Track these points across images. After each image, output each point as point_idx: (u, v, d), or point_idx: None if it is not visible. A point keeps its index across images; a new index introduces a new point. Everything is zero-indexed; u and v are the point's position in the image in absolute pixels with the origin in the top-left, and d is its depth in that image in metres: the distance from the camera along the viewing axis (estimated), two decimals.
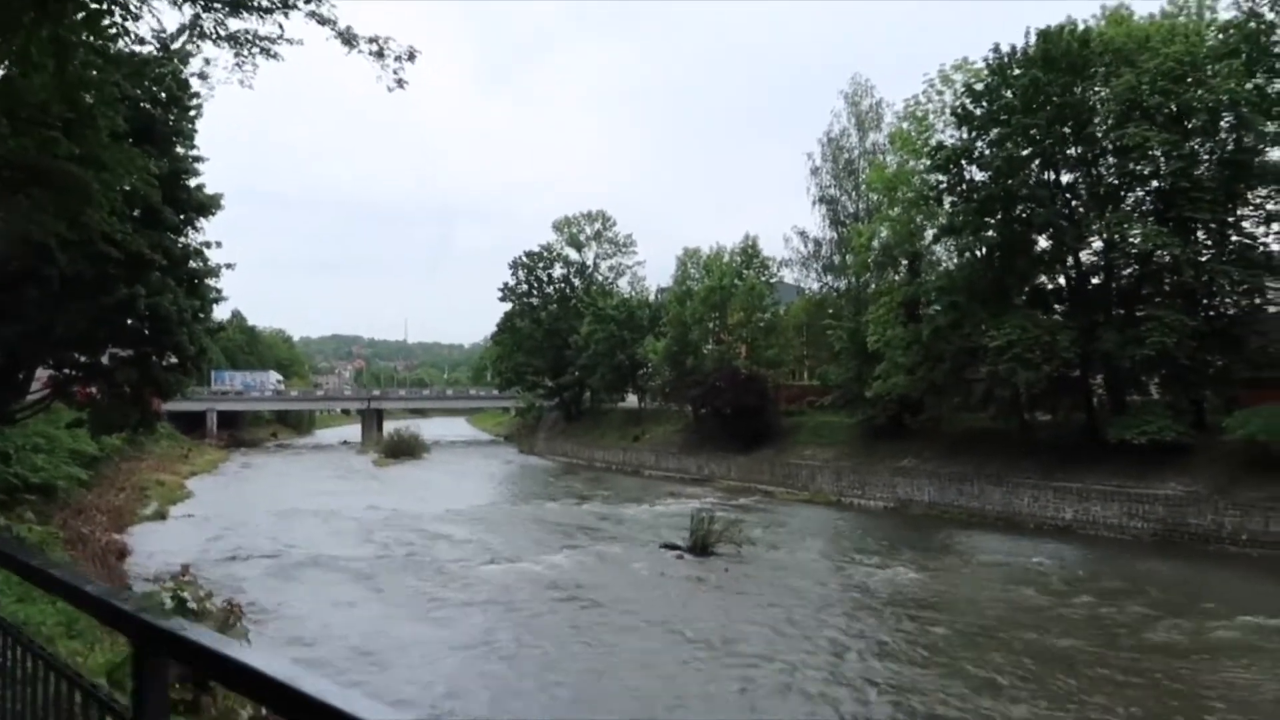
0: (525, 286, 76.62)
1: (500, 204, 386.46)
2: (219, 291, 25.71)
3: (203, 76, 25.27)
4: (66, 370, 24.53)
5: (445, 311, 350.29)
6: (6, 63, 14.53)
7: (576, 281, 75.59)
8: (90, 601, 2.13)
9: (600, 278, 74.91)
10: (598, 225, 74.79)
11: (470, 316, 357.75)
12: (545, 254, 76.16)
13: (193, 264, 24.39)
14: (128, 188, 15.38)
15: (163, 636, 1.74)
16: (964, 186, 35.46)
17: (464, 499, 42.24)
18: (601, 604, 20.28)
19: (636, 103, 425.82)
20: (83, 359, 25.03)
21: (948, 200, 36.38)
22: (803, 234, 50.50)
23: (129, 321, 24.26)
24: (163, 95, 23.62)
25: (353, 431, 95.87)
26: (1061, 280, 35.97)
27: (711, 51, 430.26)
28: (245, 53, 14.06)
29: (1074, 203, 34.36)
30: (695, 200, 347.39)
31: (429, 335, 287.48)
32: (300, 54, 14.15)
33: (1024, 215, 34.12)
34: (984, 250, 33.74)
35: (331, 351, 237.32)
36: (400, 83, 15.42)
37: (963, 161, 34.83)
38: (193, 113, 24.61)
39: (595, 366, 64.01)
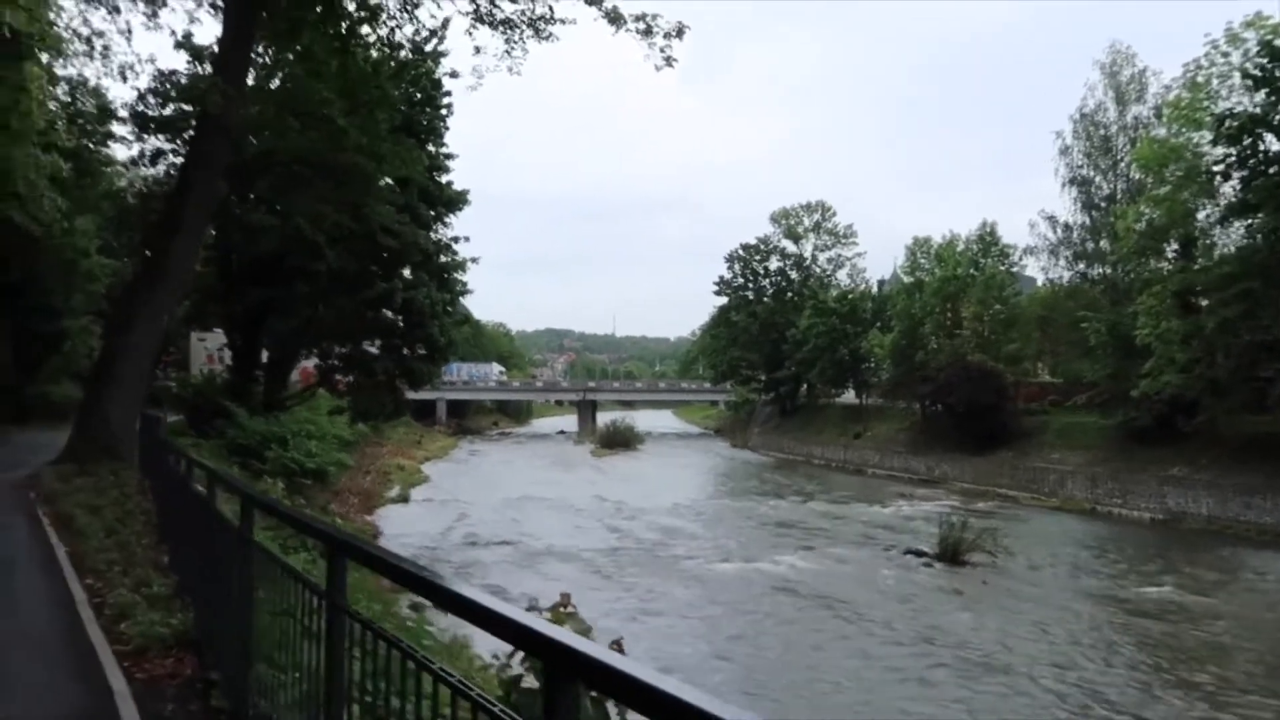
0: (741, 280, 75.72)
1: (697, 197, 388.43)
2: (465, 285, 26.55)
3: (454, 75, 25.89)
4: (329, 360, 26.10)
5: (650, 304, 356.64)
6: (291, 63, 15.12)
7: (794, 274, 73.87)
8: (497, 620, 2.03)
9: (818, 270, 72.86)
10: (816, 216, 72.86)
11: (675, 309, 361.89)
12: (762, 246, 74.93)
13: (443, 258, 25.24)
14: (403, 179, 15.69)
15: (577, 659, 1.69)
16: (1258, 158, 31.18)
17: (686, 492, 41.97)
18: (853, 614, 18.97)
19: (832, 90, 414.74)
20: (342, 350, 26.56)
21: (1236, 175, 32.09)
22: (1051, 219, 46.59)
23: (386, 313, 25.48)
24: (418, 95, 24.47)
25: (567, 422, 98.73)
26: None
27: (910, 36, 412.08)
28: (516, 37, 13.94)
29: None
30: (906, 190, 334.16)
31: (635, 329, 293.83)
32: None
33: None
34: None
35: (544, 345, 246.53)
36: (669, 60, 14.81)
37: (1259, 130, 30.56)
38: (444, 111, 25.42)
39: (814, 360, 62.14)
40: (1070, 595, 20.95)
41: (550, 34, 13.78)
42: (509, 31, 14.16)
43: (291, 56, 14.42)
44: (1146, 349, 35.02)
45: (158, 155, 25.90)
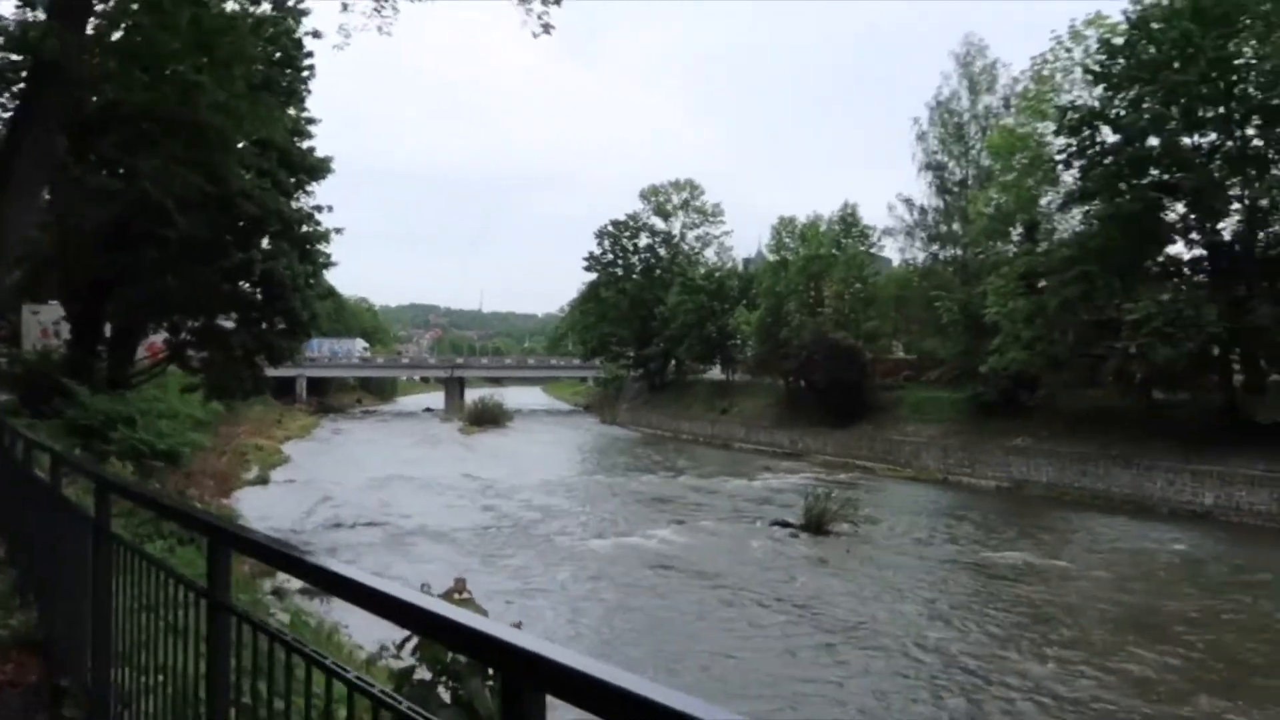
0: (610, 256, 75.74)
1: (569, 173, 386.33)
2: (328, 257, 25.43)
3: (316, 35, 24.64)
4: (181, 335, 24.55)
5: (518, 280, 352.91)
6: (136, 12, 13.96)
7: (663, 251, 74.42)
8: (442, 624, 1.77)
9: (687, 247, 73.66)
10: (685, 194, 73.48)
11: (543, 285, 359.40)
12: (631, 223, 75.12)
13: (305, 228, 24.06)
14: (261, 142, 14.75)
15: (542, 667, 1.51)
16: (1095, 149, 33.28)
17: (557, 469, 41.85)
18: (726, 584, 19.34)
19: (708, 71, 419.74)
20: (196, 323, 25.02)
21: (1076, 165, 34.17)
22: (908, 201, 48.56)
23: (243, 285, 24.13)
24: (277, 54, 23.14)
25: (433, 399, 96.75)
26: (1198, 251, 33.60)
27: (791, 19, 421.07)
28: None
29: (1212, 167, 31.90)
30: (768, 169, 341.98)
31: (503, 305, 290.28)
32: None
33: (1162, 180, 31.91)
34: (1118, 218, 31.49)
35: (409, 320, 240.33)
36: (547, 28, 14.44)
37: (1097, 123, 32.60)
38: (305, 74, 24.14)
39: (683, 337, 62.93)
40: (926, 560, 22.01)
41: None
42: None
43: (136, 6, 13.27)
44: (994, 327, 37.03)
45: None
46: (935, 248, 48.86)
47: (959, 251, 47.38)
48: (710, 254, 72.89)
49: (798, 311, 50.13)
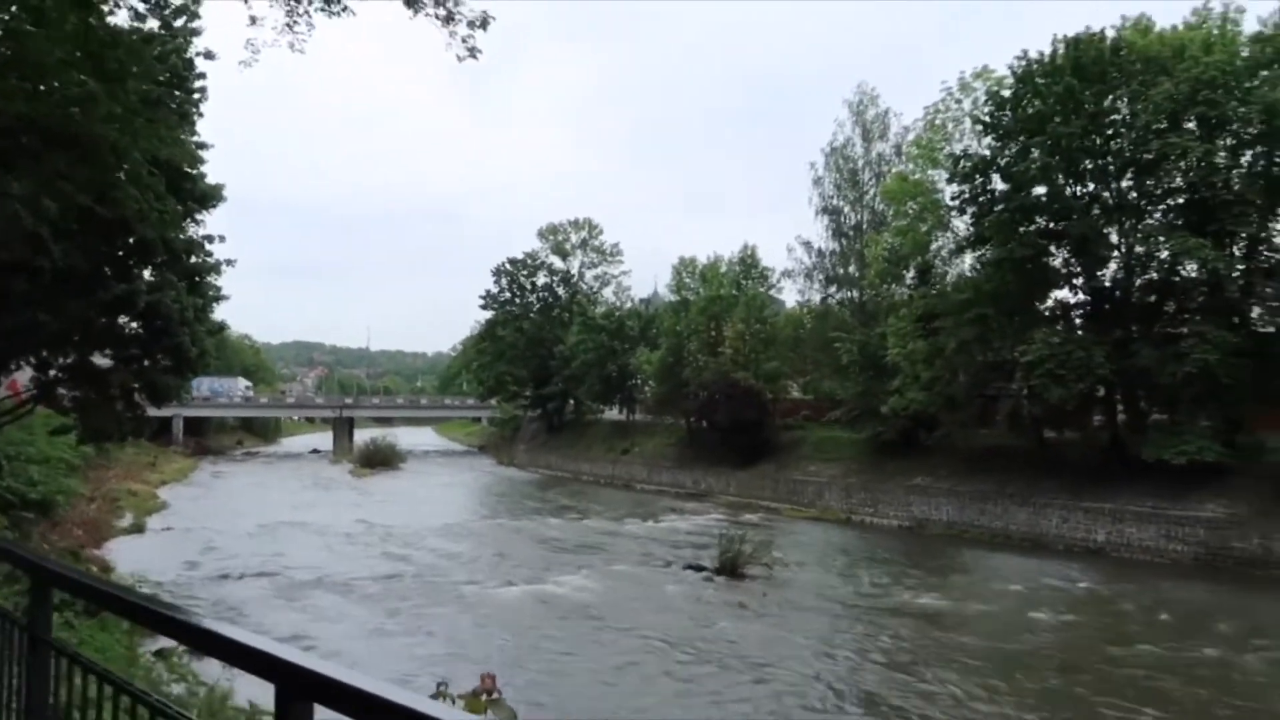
0: (508, 294, 74.72)
1: (459, 211, 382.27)
2: (219, 289, 23.84)
3: (209, 56, 23.40)
4: (52, 372, 22.50)
5: (407, 319, 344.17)
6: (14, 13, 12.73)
7: (561, 290, 73.88)
8: (226, 646, 1.93)
9: (585, 286, 73.32)
10: (584, 233, 73.29)
11: (434, 324, 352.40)
12: (529, 261, 74.38)
13: (194, 259, 22.49)
14: (151, 162, 13.57)
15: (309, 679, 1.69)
16: (986, 197, 34.57)
17: (456, 513, 40.46)
18: (644, 633, 18.67)
19: (603, 111, 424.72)
20: (69, 360, 22.99)
21: (970, 210, 35.39)
22: (807, 244, 49.48)
23: (122, 320, 22.33)
24: (166, 74, 21.74)
25: (320, 440, 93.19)
26: (1082, 295, 35.13)
27: (684, 59, 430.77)
28: (300, 9, 12.46)
29: (1092, 215, 33.51)
30: (666, 211, 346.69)
31: (391, 343, 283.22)
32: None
33: (1048, 227, 33.32)
34: (1011, 262, 32.68)
35: (293, 358, 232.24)
36: (472, 52, 13.75)
37: (989, 172, 33.89)
38: (197, 96, 22.71)
39: (583, 377, 62.28)
40: (842, 604, 21.84)
41: (343, 7, 12.36)
42: (293, 2, 12.53)
43: (15, 9, 12.10)
44: (894, 368, 37.81)
45: None
46: (832, 289, 49.84)
47: (856, 293, 48.44)
48: (609, 293, 72.87)
49: (699, 351, 50.24)
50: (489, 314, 76.61)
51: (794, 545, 31.04)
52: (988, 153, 35.21)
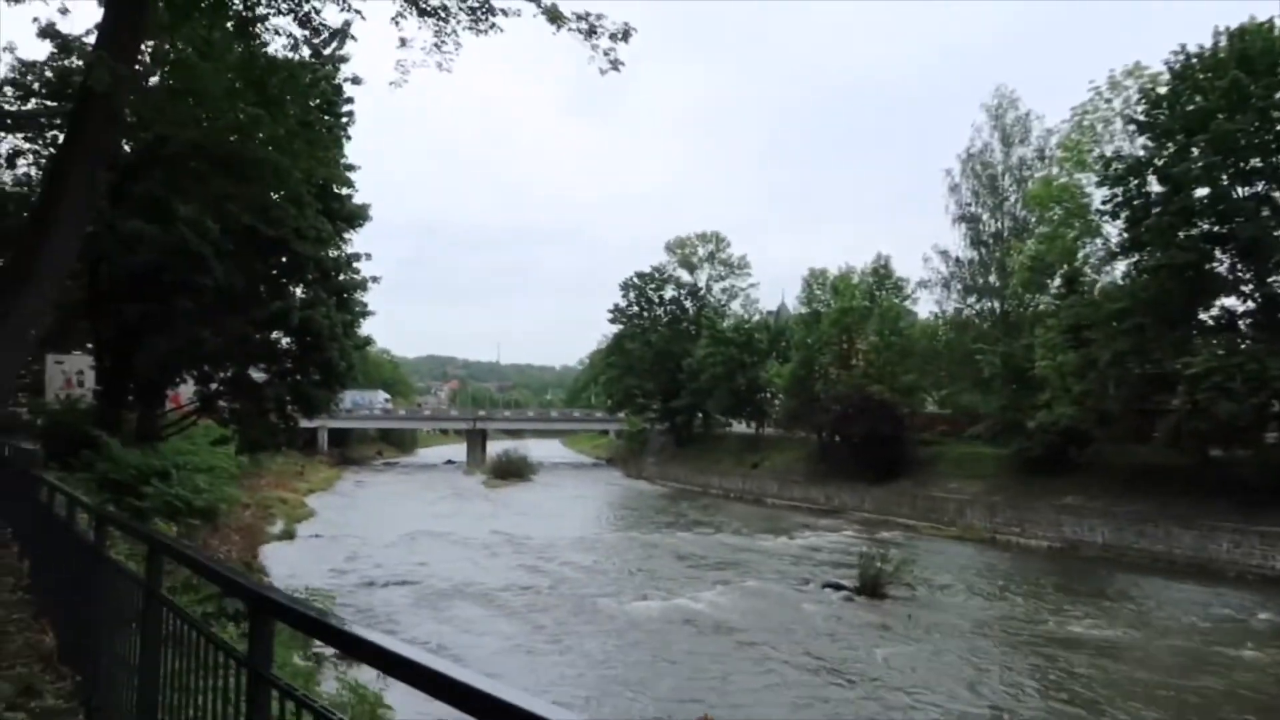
0: (636, 308, 75.14)
1: (581, 228, 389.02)
2: (365, 305, 24.73)
3: (356, 81, 24.30)
4: (213, 385, 23.83)
5: (534, 333, 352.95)
6: (181, 49, 13.41)
7: (688, 303, 73.80)
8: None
9: (713, 300, 73.00)
10: (711, 246, 73.05)
11: (559, 338, 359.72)
12: (656, 275, 74.66)
13: (342, 276, 23.41)
14: (319, 182, 14.09)
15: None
16: (1141, 200, 32.47)
17: (589, 525, 40.75)
18: (786, 654, 18.09)
19: (720, 126, 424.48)
20: (228, 374, 24.31)
21: (1122, 215, 33.32)
22: (944, 253, 47.80)
23: (274, 335, 23.46)
24: (317, 100, 22.74)
25: (454, 451, 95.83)
26: (1251, 303, 32.51)
27: (799, 72, 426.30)
28: (449, 29, 12.67)
29: (1261, 217, 30.95)
30: (781, 223, 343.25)
31: (520, 357, 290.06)
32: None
33: (1211, 231, 31.01)
34: (1170, 269, 30.54)
35: (427, 372, 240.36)
36: (615, 64, 13.75)
37: (1144, 173, 31.84)
38: (345, 120, 23.71)
39: (711, 390, 61.89)
40: (995, 631, 20.64)
41: (491, 25, 12.55)
42: (441, 22, 12.81)
43: (180, 45, 12.68)
44: (1040, 381, 35.93)
45: (15, 156, 23.26)
46: (971, 299, 47.92)
47: (996, 304, 46.43)
48: (736, 306, 72.32)
49: (831, 364, 49.14)
50: (617, 328, 77.27)
51: (937, 565, 29.77)
52: (1142, 154, 33.18)
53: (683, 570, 28.33)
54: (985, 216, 47.85)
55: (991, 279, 46.76)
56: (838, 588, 24.70)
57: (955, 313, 49.62)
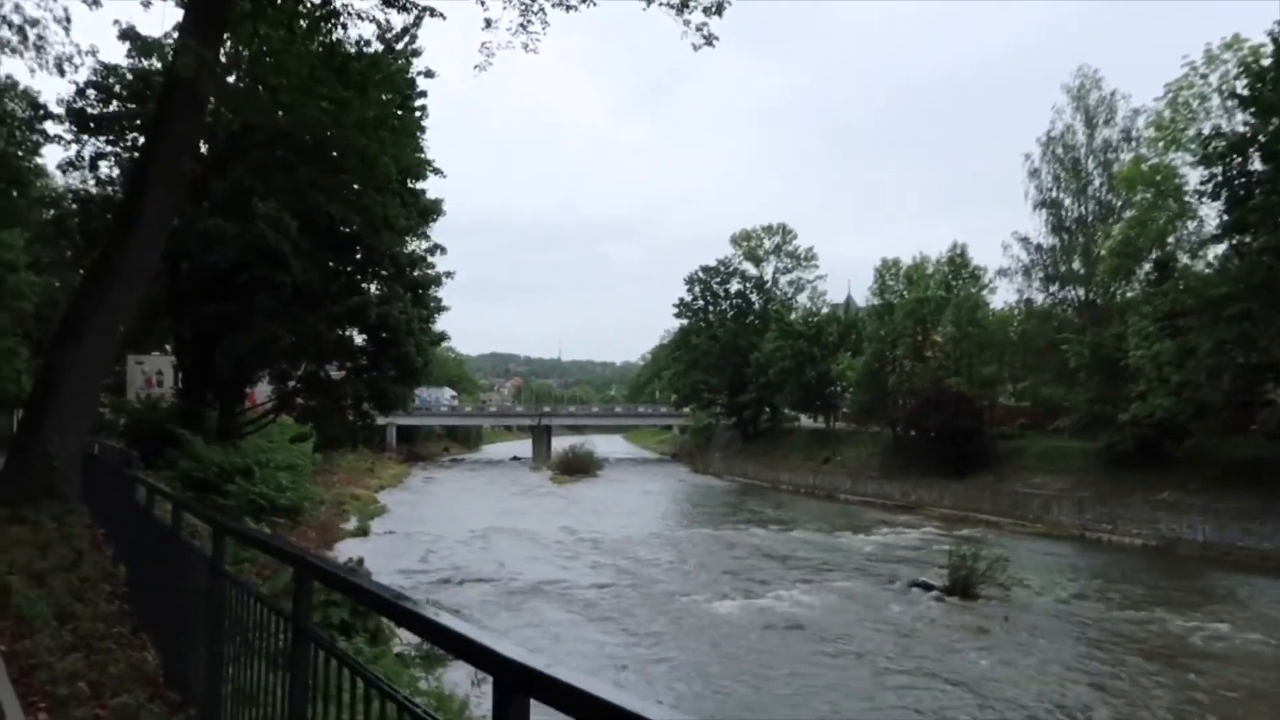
0: (701, 302, 74.35)
1: (639, 224, 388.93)
2: (439, 301, 24.51)
3: (429, 74, 24.04)
4: (290, 383, 23.85)
5: (595, 330, 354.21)
6: (264, 38, 13.14)
7: (754, 296, 72.77)
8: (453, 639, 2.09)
9: (779, 293, 71.85)
10: (777, 238, 71.87)
11: (620, 334, 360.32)
12: (722, 268, 73.74)
13: (417, 272, 23.20)
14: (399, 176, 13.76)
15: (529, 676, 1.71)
16: (1243, 180, 30.72)
17: (659, 521, 40.26)
18: (878, 658, 17.35)
19: (776, 119, 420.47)
20: (304, 371, 24.30)
21: (1222, 195, 31.59)
22: (1024, 240, 46.08)
23: (349, 332, 23.35)
24: (390, 94, 22.55)
25: (519, 447, 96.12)
26: None
27: (856, 64, 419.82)
28: (535, 6, 12.22)
29: None
30: (845, 215, 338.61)
31: (581, 354, 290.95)
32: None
33: None
34: (1278, 251, 28.79)
35: (490, 369, 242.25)
36: (709, 39, 13.17)
37: (1246, 151, 30.11)
38: (418, 114, 23.47)
39: (780, 384, 60.84)
40: (1102, 635, 19.56)
41: (575, 2, 11.97)
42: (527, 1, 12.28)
43: (264, 32, 12.36)
44: (1132, 371, 34.33)
45: (98, 158, 23.54)
46: (1054, 288, 46.15)
47: (1081, 291, 44.65)
48: (803, 299, 71.00)
49: (905, 357, 47.81)
50: (682, 322, 76.57)
51: (1027, 564, 28.51)
52: (1244, 130, 31.38)
53: (759, 567, 27.63)
54: (1067, 201, 45.97)
55: (1075, 265, 44.95)
56: (926, 587, 23.78)
57: (1037, 301, 47.85)
